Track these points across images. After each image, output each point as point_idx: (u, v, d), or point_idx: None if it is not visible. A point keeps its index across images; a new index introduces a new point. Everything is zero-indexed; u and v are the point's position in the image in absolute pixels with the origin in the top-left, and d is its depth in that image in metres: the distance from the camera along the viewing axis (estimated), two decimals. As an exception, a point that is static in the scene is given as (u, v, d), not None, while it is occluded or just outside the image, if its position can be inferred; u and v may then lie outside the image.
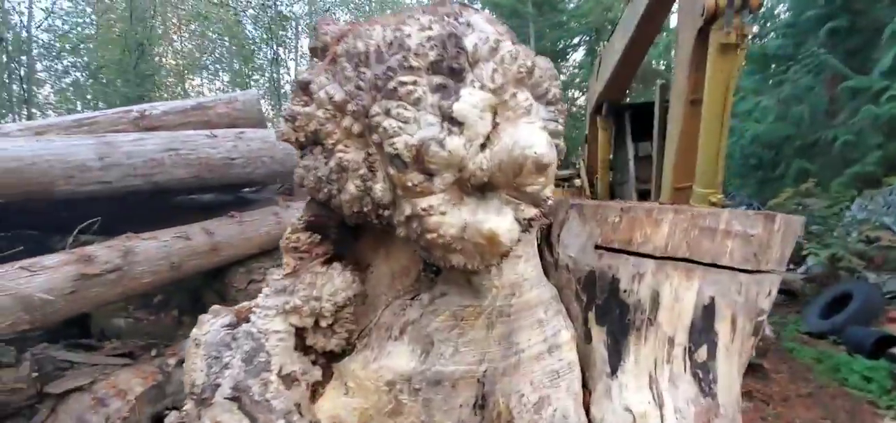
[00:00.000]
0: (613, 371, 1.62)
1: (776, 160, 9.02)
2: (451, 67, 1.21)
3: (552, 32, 16.99)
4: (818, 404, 3.13)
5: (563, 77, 17.44)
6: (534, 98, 1.32)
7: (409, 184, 1.23)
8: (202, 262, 4.28)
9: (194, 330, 1.45)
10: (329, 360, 1.62)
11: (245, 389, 1.33)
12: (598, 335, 1.69)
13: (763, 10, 11.31)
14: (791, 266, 6.33)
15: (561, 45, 17.78)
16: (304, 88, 1.30)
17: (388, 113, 1.17)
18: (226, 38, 19.71)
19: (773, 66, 9.98)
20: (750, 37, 4.39)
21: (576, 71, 17.59)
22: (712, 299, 1.59)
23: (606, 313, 1.69)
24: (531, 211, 1.32)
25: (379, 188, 1.27)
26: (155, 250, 3.99)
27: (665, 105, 6.01)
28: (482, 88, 1.23)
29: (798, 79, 8.59)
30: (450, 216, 1.28)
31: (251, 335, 1.39)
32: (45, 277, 3.30)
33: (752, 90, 10.04)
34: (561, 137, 1.38)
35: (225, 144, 4.41)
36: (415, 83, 1.18)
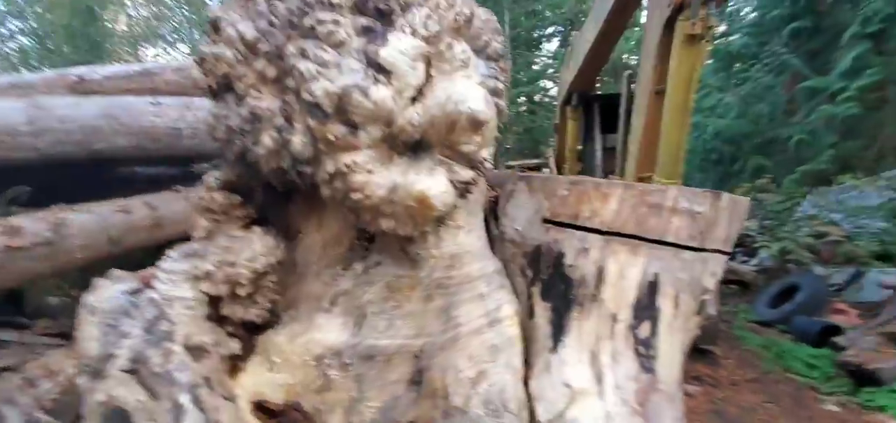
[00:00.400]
0: (555, 346, 1.56)
1: (736, 156, 9.31)
2: (378, 8, 1.09)
3: (527, 21, 16.93)
4: (764, 388, 3.21)
5: (536, 67, 17.47)
6: (472, 51, 1.22)
7: (331, 137, 1.11)
8: (144, 237, 4.02)
9: (88, 296, 1.30)
10: (251, 333, 1.50)
11: (144, 360, 1.19)
12: (542, 311, 1.63)
13: (730, 8, 11.60)
14: (744, 259, 6.53)
15: (536, 35, 17.78)
16: (214, 25, 1.16)
17: (304, 54, 1.05)
18: (184, 6, 18.58)
19: (738, 64, 10.25)
20: (715, 30, 4.44)
21: (549, 61, 17.63)
22: (656, 275, 1.55)
23: (551, 288, 1.63)
24: (467, 173, 1.23)
25: (297, 141, 1.14)
26: (91, 223, 3.72)
27: (631, 95, 6.02)
28: (414, 34, 1.12)
29: (760, 77, 8.85)
30: (377, 175, 1.17)
31: (154, 302, 1.24)
32: (-35, 249, 3.02)
33: (717, 87, 10.30)
34: (503, 96, 1.29)
35: (170, 113, 4.12)
36: (336, 23, 1.05)
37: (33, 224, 3.49)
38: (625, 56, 13.70)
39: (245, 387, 1.48)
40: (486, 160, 1.23)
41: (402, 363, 1.49)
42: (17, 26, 16.90)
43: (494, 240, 1.76)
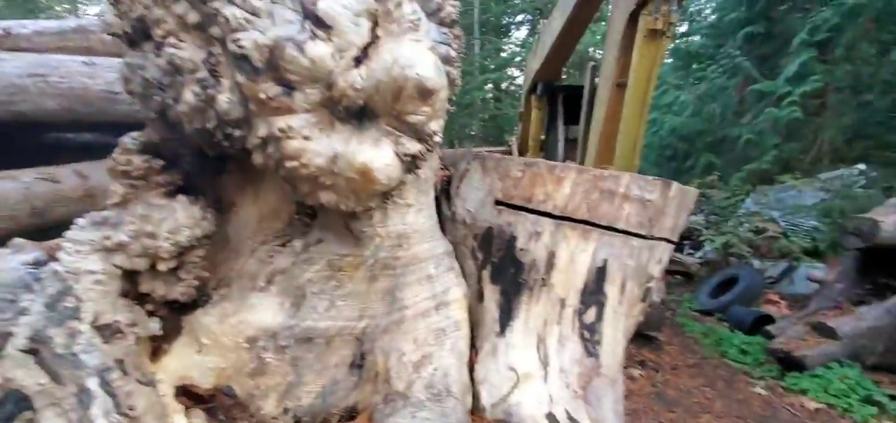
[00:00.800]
0: (502, 331, 1.53)
1: (688, 153, 9.70)
2: (318, -45, 0.99)
3: (497, 7, 16.87)
4: (701, 373, 3.36)
5: (504, 54, 17.47)
6: (424, 14, 1.13)
7: (263, 96, 1.00)
8: (74, 209, 3.67)
9: (-19, 266, 1.14)
10: (177, 312, 1.37)
11: (45, 339, 1.05)
12: (491, 294, 1.59)
13: (692, 8, 11.97)
14: (690, 251, 6.83)
15: (505, 21, 17.74)
16: (128, -40, 1.01)
17: (231, -1, 0.94)
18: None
19: (695, 64, 10.64)
20: (675, 27, 4.52)
21: (518, 49, 17.66)
22: (605, 261, 1.54)
23: (501, 271, 1.59)
24: (415, 146, 1.15)
25: (224, 99, 1.03)
26: (13, 191, 3.37)
27: (594, 88, 6.10)
28: (359, -12, 1.03)
29: (714, 78, 9.21)
30: (315, 143, 1.07)
31: (58, 276, 1.10)
32: None
33: (675, 85, 10.66)
34: (455, 64, 1.22)
35: (106, 74, 3.76)
36: (268, -34, 0.94)
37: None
38: (591, 49, 13.90)
39: (169, 370, 1.35)
40: (436, 133, 1.16)
41: (343, 345, 1.42)
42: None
43: (445, 220, 1.70)
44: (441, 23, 1.18)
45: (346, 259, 1.38)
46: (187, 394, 1.39)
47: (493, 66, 16.89)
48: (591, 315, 1.52)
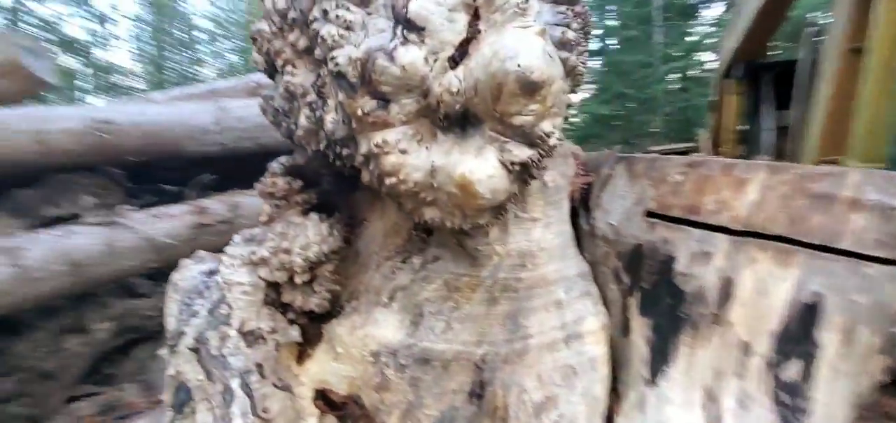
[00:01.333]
0: (654, 377, 1.21)
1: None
2: (410, -49, 0.91)
3: (684, -15, 14.88)
4: None
5: (692, 37, 15.20)
6: (533, -5, 0.96)
7: (360, 112, 0.98)
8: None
9: (174, 273, 1.40)
10: (319, 321, 1.47)
11: (205, 341, 1.24)
12: (640, 329, 1.28)
13: None
14: None
15: (692, 1, 15.48)
16: None
17: (326, 16, 0.93)
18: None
19: None
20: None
21: (710, 29, 15.16)
22: (818, 296, 1.08)
23: (654, 300, 1.27)
24: (523, 152, 0.98)
25: (330, 120, 1.04)
26: (258, 206, 4.33)
27: (814, 58, 4.83)
28: (454, -21, 0.92)
29: None
30: (413, 156, 1.00)
31: (218, 285, 1.28)
32: (169, 224, 3.79)
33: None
34: (576, 50, 1.00)
35: (316, 110, 4.58)
36: (359, -24, 0.91)
37: (216, 205, 4.20)
38: (808, 13, 11.00)
39: (310, 374, 1.46)
40: (551, 135, 0.97)
41: (461, 371, 1.31)
42: (228, 45, 21.65)
43: (583, 236, 1.45)
44: (556, 1, 0.98)
45: (463, 279, 1.28)
46: (324, 399, 1.49)
47: (679, 54, 14.95)
48: (792, 371, 1.08)
